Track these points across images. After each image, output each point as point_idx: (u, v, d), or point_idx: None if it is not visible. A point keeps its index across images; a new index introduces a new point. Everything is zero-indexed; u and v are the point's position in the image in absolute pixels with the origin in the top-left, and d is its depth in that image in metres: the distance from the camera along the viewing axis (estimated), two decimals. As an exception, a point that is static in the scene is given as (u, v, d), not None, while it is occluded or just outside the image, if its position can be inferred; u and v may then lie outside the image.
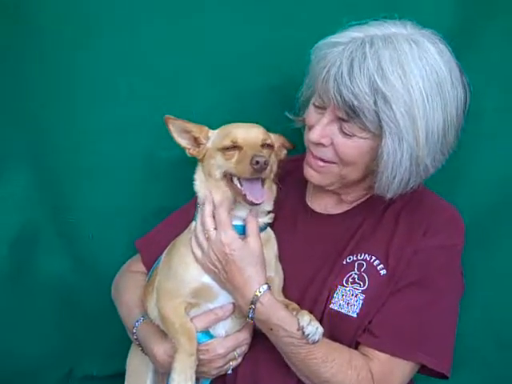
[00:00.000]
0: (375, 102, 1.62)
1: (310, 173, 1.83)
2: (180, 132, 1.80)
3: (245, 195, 1.68)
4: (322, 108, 1.75)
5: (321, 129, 1.73)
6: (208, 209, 1.76)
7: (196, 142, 1.81)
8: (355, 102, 1.62)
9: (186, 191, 1.88)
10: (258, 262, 1.72)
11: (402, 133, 1.64)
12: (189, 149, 1.81)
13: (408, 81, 1.61)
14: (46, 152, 2.24)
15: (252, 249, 1.71)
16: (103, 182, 2.27)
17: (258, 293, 1.67)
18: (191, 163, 1.86)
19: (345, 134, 1.71)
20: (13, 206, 2.27)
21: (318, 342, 1.63)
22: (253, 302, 1.67)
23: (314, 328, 1.63)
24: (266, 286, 1.69)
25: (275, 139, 1.83)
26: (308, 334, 1.62)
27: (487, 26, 2.10)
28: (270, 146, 1.75)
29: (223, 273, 1.72)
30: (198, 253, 1.77)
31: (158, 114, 2.11)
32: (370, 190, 1.86)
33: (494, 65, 2.12)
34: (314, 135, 1.74)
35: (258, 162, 1.62)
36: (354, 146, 1.71)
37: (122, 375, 2.23)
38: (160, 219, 2.13)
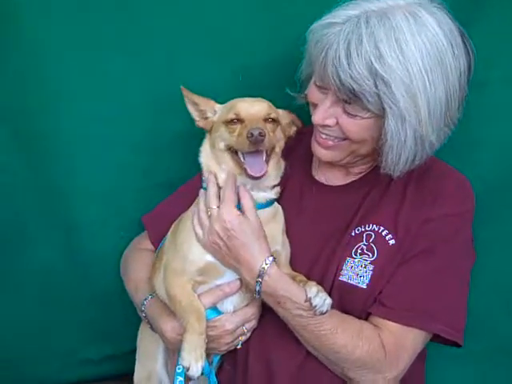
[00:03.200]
0: (375, 85, 1.59)
1: (320, 151, 1.82)
2: (191, 104, 1.83)
3: (245, 169, 1.68)
4: (323, 88, 1.73)
5: (324, 111, 1.73)
6: (213, 189, 1.75)
7: (203, 114, 1.83)
8: (355, 86, 1.60)
9: (191, 165, 1.86)
10: (260, 235, 1.71)
11: (404, 114, 1.61)
12: (197, 121, 1.84)
13: (406, 60, 1.58)
14: (37, 135, 2.19)
15: (252, 223, 1.70)
16: (103, 163, 2.23)
17: (264, 265, 1.67)
18: (196, 137, 1.85)
19: (348, 114, 1.69)
20: (4, 191, 2.24)
21: (325, 313, 1.63)
22: (260, 275, 1.67)
23: (321, 299, 1.62)
24: (271, 258, 1.68)
25: (284, 116, 1.82)
26: (315, 306, 1.62)
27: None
28: (275, 121, 1.74)
29: (226, 250, 1.71)
30: (200, 232, 1.76)
31: (160, 89, 2.12)
32: (377, 162, 1.83)
33: (501, 33, 2.07)
34: (318, 117, 1.74)
35: (252, 135, 1.62)
36: (360, 124, 1.70)
37: (120, 357, 2.25)
38: (166, 195, 2.12)
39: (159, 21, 2.10)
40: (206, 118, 1.83)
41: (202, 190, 1.81)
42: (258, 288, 1.67)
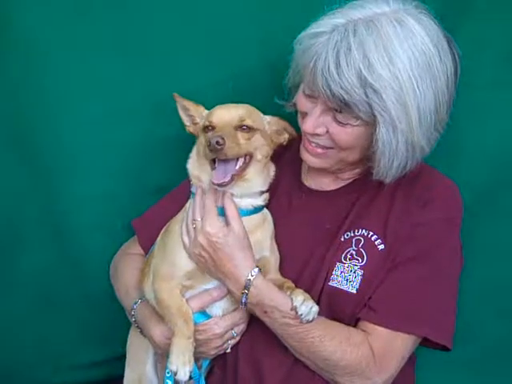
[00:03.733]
0: (366, 94, 1.60)
1: (309, 158, 1.82)
2: (182, 109, 1.85)
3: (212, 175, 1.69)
4: (312, 97, 1.73)
5: (314, 120, 1.72)
6: (198, 199, 1.76)
7: (193, 120, 1.84)
8: (346, 96, 1.60)
9: (183, 170, 1.86)
10: (245, 245, 1.71)
11: (395, 121, 1.62)
12: (188, 126, 1.86)
13: (395, 67, 1.58)
14: (32, 139, 2.19)
15: (237, 234, 1.70)
16: (96, 166, 2.23)
17: (250, 277, 1.67)
18: (187, 142, 1.85)
19: (339, 123, 1.69)
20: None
21: (312, 321, 1.63)
22: (246, 287, 1.67)
23: (307, 308, 1.62)
24: (256, 269, 1.68)
25: (272, 122, 1.81)
26: (301, 314, 1.62)
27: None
28: (251, 128, 1.72)
29: (211, 262, 1.71)
30: (186, 241, 1.76)
31: (154, 94, 2.12)
32: (366, 168, 1.84)
33: (488, 35, 2.08)
34: (307, 127, 1.73)
35: (210, 143, 1.61)
36: (350, 132, 1.70)
37: (111, 362, 2.24)
38: (157, 199, 2.11)
39: (154, 28, 2.11)
40: (196, 124, 1.83)
41: (190, 200, 1.81)
42: (244, 299, 1.68)
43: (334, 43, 1.61)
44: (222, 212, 1.73)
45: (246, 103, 1.80)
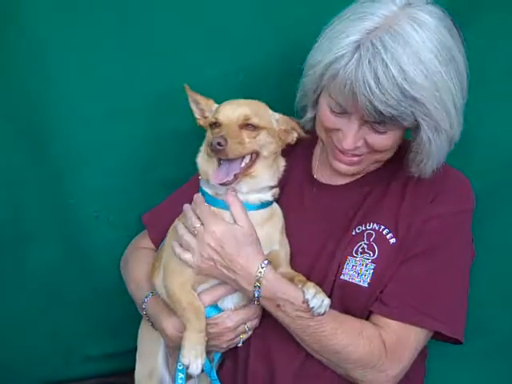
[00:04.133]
0: (410, 105, 1.59)
1: (342, 168, 1.81)
2: (193, 102, 1.85)
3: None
4: (342, 113, 1.70)
5: (353, 136, 1.70)
6: (189, 209, 1.77)
7: (203, 113, 1.84)
8: (393, 112, 1.59)
9: (191, 164, 1.85)
10: (253, 240, 1.71)
11: (439, 123, 1.64)
12: (198, 119, 1.85)
13: (429, 72, 1.57)
14: (38, 133, 2.19)
15: (243, 229, 1.70)
16: (104, 161, 2.24)
17: (261, 269, 1.66)
18: (196, 136, 1.85)
19: (378, 132, 1.69)
20: (5, 188, 2.24)
21: (323, 314, 1.62)
22: (258, 280, 1.66)
23: (319, 300, 1.62)
24: (266, 262, 1.68)
25: (281, 121, 1.80)
26: (313, 307, 1.61)
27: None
28: (255, 127, 1.71)
29: (221, 261, 1.70)
30: (188, 256, 1.73)
31: (162, 88, 2.12)
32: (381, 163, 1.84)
33: (497, 32, 2.06)
34: (349, 144, 1.71)
35: (211, 144, 1.61)
36: (389, 138, 1.71)
37: (122, 355, 2.24)
38: (167, 193, 2.11)
39: (159, 21, 2.10)
40: (206, 118, 1.83)
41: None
42: (257, 294, 1.67)
43: (367, 63, 1.57)
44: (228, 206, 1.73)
45: (255, 97, 1.79)
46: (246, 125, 1.69)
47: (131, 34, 2.10)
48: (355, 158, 1.77)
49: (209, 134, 1.75)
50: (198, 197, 1.78)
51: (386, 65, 1.56)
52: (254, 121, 1.70)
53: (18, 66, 2.09)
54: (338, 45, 1.63)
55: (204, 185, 1.81)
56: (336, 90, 1.65)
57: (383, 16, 1.61)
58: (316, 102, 1.80)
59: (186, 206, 1.80)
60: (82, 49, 2.09)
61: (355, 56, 1.59)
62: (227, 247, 1.69)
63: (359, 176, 1.89)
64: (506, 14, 2.05)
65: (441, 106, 1.62)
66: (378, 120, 1.63)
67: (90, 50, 2.10)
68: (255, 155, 1.72)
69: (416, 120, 1.63)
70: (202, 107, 1.83)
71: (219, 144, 1.60)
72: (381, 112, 1.59)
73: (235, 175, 1.67)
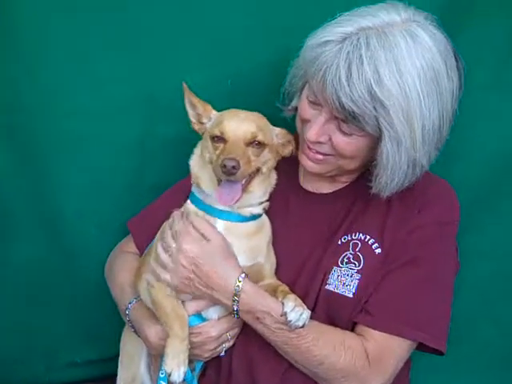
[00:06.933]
0: (374, 108, 1.58)
1: (308, 164, 1.80)
2: (189, 104, 1.80)
3: (216, 191, 1.67)
4: (317, 104, 1.71)
5: (318, 128, 1.70)
6: (169, 231, 1.75)
7: (199, 118, 1.81)
8: (355, 108, 1.58)
9: (180, 169, 1.86)
10: (227, 254, 1.70)
11: (400, 137, 1.61)
12: (193, 122, 1.81)
13: (405, 84, 1.57)
14: (26, 132, 2.16)
15: (215, 245, 1.69)
16: (92, 161, 2.21)
17: (238, 283, 1.65)
18: (187, 140, 1.84)
19: (343, 133, 1.68)
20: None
21: (302, 327, 1.61)
22: (236, 294, 1.65)
23: (297, 314, 1.60)
24: (243, 275, 1.67)
25: (280, 135, 1.79)
26: (290, 320, 1.60)
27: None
28: (261, 145, 1.69)
29: (197, 279, 1.69)
30: (168, 277, 1.72)
31: (154, 90, 2.11)
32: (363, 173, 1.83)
33: (484, 40, 2.08)
34: (312, 135, 1.71)
35: (225, 166, 1.59)
36: (353, 143, 1.69)
37: (104, 361, 2.22)
38: (154, 196, 2.10)
39: (154, 25, 2.08)
40: (202, 123, 1.80)
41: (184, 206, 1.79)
42: (235, 308, 1.66)
43: (345, 54, 1.58)
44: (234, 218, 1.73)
45: (243, 104, 1.77)
46: (252, 142, 1.68)
47: (122, 38, 2.08)
48: (319, 156, 1.76)
49: (208, 144, 1.72)
50: (175, 214, 1.77)
51: (362, 62, 1.56)
52: (260, 138, 1.68)
53: (5, 61, 2.06)
54: (329, 32, 1.64)
55: (196, 190, 1.79)
56: (312, 74, 1.66)
57: (382, 21, 1.62)
58: (301, 91, 1.80)
59: (165, 223, 1.79)
60: (73, 48, 2.07)
61: (339, 46, 1.60)
62: (201, 265, 1.68)
63: (345, 185, 1.89)
64: (494, 20, 2.06)
65: (406, 121, 1.59)
66: (341, 116, 1.63)
67: (83, 52, 2.08)
68: (254, 173, 1.71)
69: (380, 128, 1.62)
70: (199, 112, 1.79)
71: (234, 168, 1.59)
72: (343, 106, 1.59)
73: (240, 195, 1.66)
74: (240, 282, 1.65)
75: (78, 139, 2.16)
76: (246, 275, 1.67)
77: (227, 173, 1.60)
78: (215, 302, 1.72)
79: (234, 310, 1.67)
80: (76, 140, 2.16)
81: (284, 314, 1.61)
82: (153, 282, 1.76)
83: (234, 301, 1.66)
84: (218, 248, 1.69)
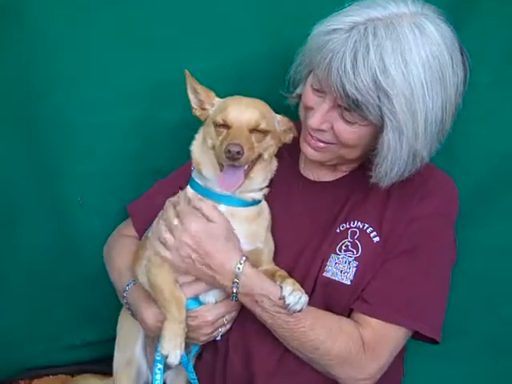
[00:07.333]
0: (378, 97, 1.59)
1: (309, 151, 1.81)
2: (192, 90, 1.80)
3: (219, 177, 1.68)
4: (321, 92, 1.71)
5: (321, 115, 1.71)
6: (171, 211, 1.75)
7: (201, 104, 1.80)
8: (359, 97, 1.59)
9: (180, 154, 1.85)
10: (230, 236, 1.71)
11: (402, 128, 1.62)
12: (195, 109, 1.81)
13: (409, 74, 1.57)
14: (29, 120, 2.15)
15: (219, 226, 1.70)
16: (94, 147, 2.21)
17: (239, 265, 1.66)
18: (188, 126, 1.84)
19: (346, 121, 1.68)
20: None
21: (300, 311, 1.63)
22: (236, 276, 1.66)
23: (295, 298, 1.62)
24: (244, 258, 1.68)
25: (282, 122, 1.79)
26: (289, 304, 1.61)
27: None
28: (264, 131, 1.70)
29: (199, 259, 1.69)
30: (168, 254, 1.72)
31: (156, 76, 2.10)
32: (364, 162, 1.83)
33: (489, 36, 2.06)
34: (314, 122, 1.71)
35: (230, 151, 1.59)
36: (355, 131, 1.69)
37: (103, 342, 2.23)
38: (153, 182, 2.10)
39: (159, 12, 2.07)
40: (204, 109, 1.79)
41: (180, 194, 1.80)
42: (235, 290, 1.67)
43: (352, 42, 1.59)
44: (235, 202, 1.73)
45: (246, 92, 1.77)
46: (255, 129, 1.68)
47: (126, 27, 2.07)
48: (321, 144, 1.76)
49: (211, 131, 1.72)
50: (180, 193, 1.77)
51: (368, 50, 1.57)
52: (263, 126, 1.69)
53: (14, 56, 2.06)
54: (338, 20, 1.65)
55: (196, 176, 1.80)
56: (318, 61, 1.66)
57: (391, 13, 1.62)
58: (306, 79, 1.80)
59: (168, 202, 1.79)
60: (77, 38, 2.06)
61: (346, 34, 1.60)
62: (204, 245, 1.68)
63: (346, 173, 1.90)
64: (498, 16, 2.05)
65: (409, 111, 1.60)
66: (345, 104, 1.63)
67: (86, 44, 2.07)
68: (256, 158, 1.72)
69: (382, 118, 1.62)
70: (202, 98, 1.79)
71: (238, 153, 1.59)
72: (347, 94, 1.59)
73: (243, 181, 1.67)
74: (241, 264, 1.66)
75: (82, 126, 2.16)
76: (247, 258, 1.68)
77: (231, 158, 1.60)
78: (214, 284, 1.72)
79: (233, 293, 1.68)
80: (80, 127, 2.16)
81: (282, 298, 1.62)
82: (152, 257, 1.76)
83: (233, 283, 1.67)
84: (222, 229, 1.70)
